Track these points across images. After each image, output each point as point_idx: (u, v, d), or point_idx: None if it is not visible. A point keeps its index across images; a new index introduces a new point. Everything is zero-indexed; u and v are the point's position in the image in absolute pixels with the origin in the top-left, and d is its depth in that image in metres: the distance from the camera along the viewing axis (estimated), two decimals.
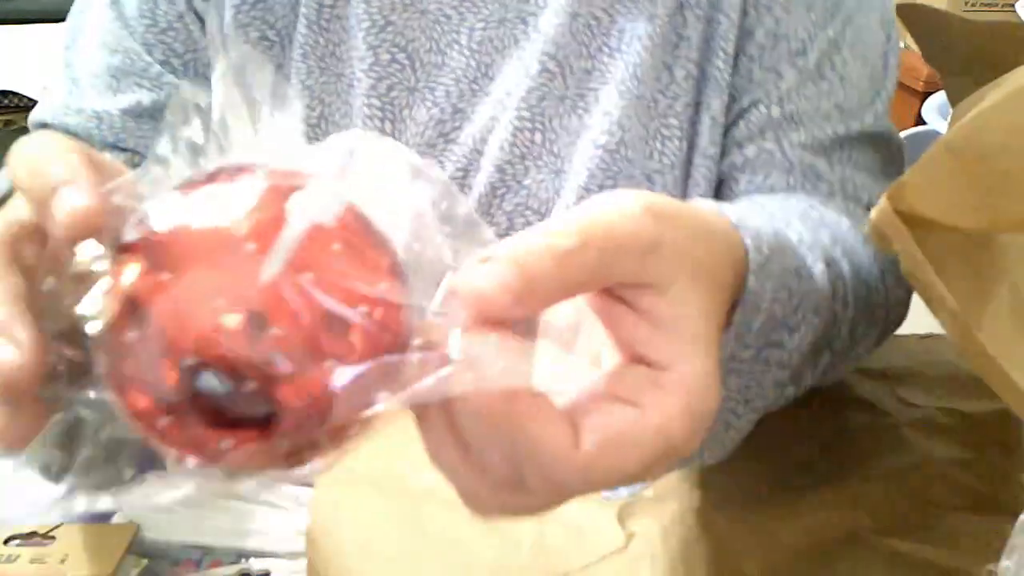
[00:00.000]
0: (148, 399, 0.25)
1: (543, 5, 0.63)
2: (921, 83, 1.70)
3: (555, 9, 0.62)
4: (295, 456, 0.26)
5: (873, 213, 0.38)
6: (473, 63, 0.63)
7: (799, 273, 0.43)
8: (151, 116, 0.65)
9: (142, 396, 0.25)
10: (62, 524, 0.59)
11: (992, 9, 1.72)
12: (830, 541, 0.50)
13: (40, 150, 0.30)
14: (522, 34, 0.63)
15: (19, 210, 0.30)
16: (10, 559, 0.57)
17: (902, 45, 1.86)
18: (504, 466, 0.29)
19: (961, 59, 0.51)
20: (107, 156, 0.31)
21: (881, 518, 0.52)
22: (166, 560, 0.60)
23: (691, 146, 0.63)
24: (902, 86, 1.76)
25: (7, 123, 1.81)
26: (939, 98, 1.46)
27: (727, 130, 0.63)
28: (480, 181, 0.64)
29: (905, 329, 0.59)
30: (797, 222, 0.52)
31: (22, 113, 1.80)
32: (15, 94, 1.76)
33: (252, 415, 0.25)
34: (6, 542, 0.59)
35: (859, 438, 0.58)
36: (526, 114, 0.63)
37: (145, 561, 0.60)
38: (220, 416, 0.25)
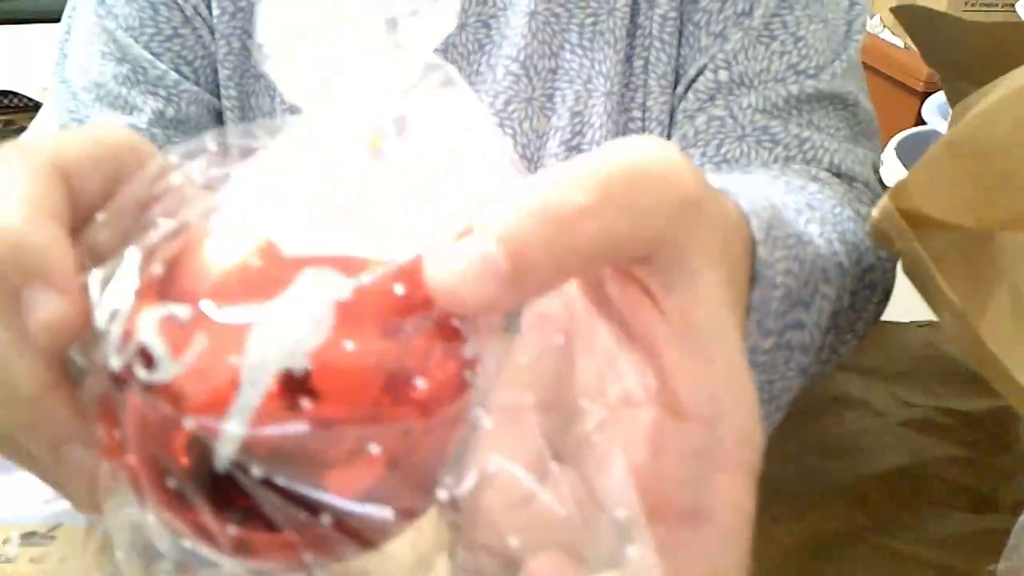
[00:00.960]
0: (153, 476, 0.21)
1: (502, 6, 0.62)
2: (921, 83, 1.70)
3: (514, 11, 0.62)
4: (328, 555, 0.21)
5: (875, 212, 0.38)
6: None
7: (800, 238, 0.38)
8: (176, 127, 0.63)
9: (145, 471, 0.21)
10: (62, 524, 0.59)
11: (992, 9, 1.72)
12: (829, 540, 0.50)
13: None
14: (486, 39, 0.62)
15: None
16: (10, 559, 0.57)
17: (902, 45, 1.86)
18: None
19: (960, 60, 0.51)
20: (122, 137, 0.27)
21: (879, 517, 0.52)
22: None
23: (661, 136, 0.62)
24: (902, 86, 1.75)
25: (7, 123, 1.81)
26: (939, 98, 1.46)
27: (678, 106, 0.61)
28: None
29: (904, 317, 0.59)
30: (774, 191, 0.49)
31: (22, 113, 1.80)
32: (15, 94, 1.76)
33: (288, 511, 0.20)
34: (6, 542, 0.59)
35: (857, 438, 0.58)
36: (494, 119, 0.62)
37: None
38: (235, 503, 0.20)
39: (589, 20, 0.61)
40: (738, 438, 0.23)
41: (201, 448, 0.20)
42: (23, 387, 0.23)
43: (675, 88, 0.62)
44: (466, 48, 0.62)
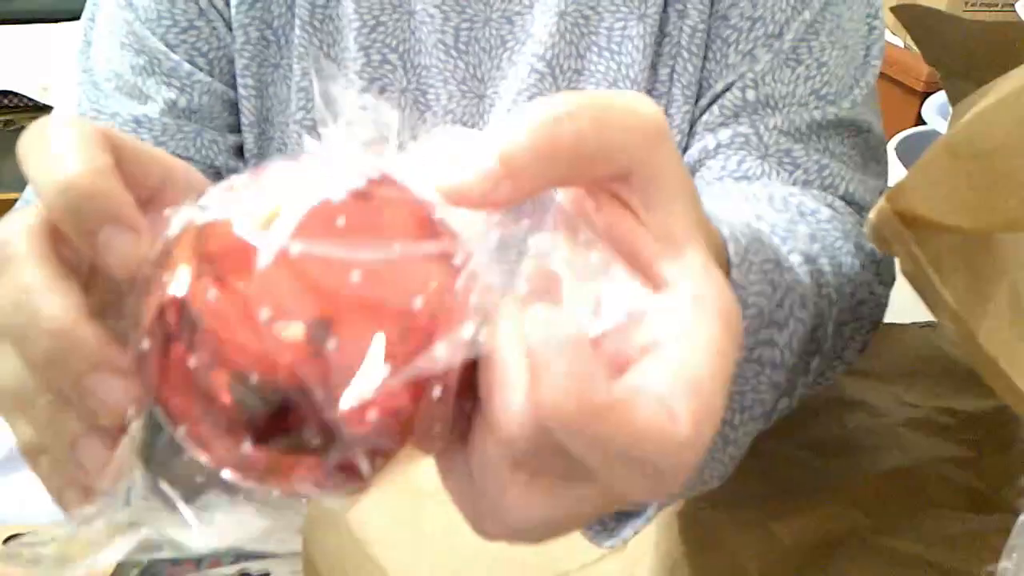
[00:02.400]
0: (196, 414, 0.24)
1: (528, 4, 0.62)
2: (921, 83, 1.70)
3: (542, 8, 0.62)
4: (350, 481, 0.25)
5: (872, 214, 0.38)
6: (462, 65, 0.63)
7: (779, 265, 0.40)
8: (188, 117, 0.64)
9: (190, 411, 0.24)
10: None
11: (992, 9, 1.72)
12: (829, 540, 0.50)
13: (64, 157, 0.26)
14: (509, 35, 0.63)
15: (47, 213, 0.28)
16: (10, 559, 0.57)
17: (902, 45, 1.86)
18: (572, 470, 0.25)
19: (961, 59, 0.51)
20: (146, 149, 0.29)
21: (879, 518, 0.51)
22: (166, 560, 0.60)
23: (680, 143, 0.63)
24: (902, 86, 1.75)
25: (7, 123, 1.81)
26: (939, 98, 1.46)
27: (700, 117, 0.62)
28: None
29: (905, 318, 0.59)
30: (769, 211, 0.51)
31: (22, 113, 1.80)
32: (15, 94, 1.76)
33: (303, 441, 0.23)
34: (5, 542, 0.58)
35: (857, 438, 0.58)
36: None
37: (145, 561, 0.60)
38: (273, 434, 0.23)
39: (618, 24, 0.62)
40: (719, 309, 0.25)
41: (240, 385, 0.23)
42: (58, 317, 0.25)
43: (697, 99, 0.62)
44: (488, 43, 0.63)
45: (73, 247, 0.27)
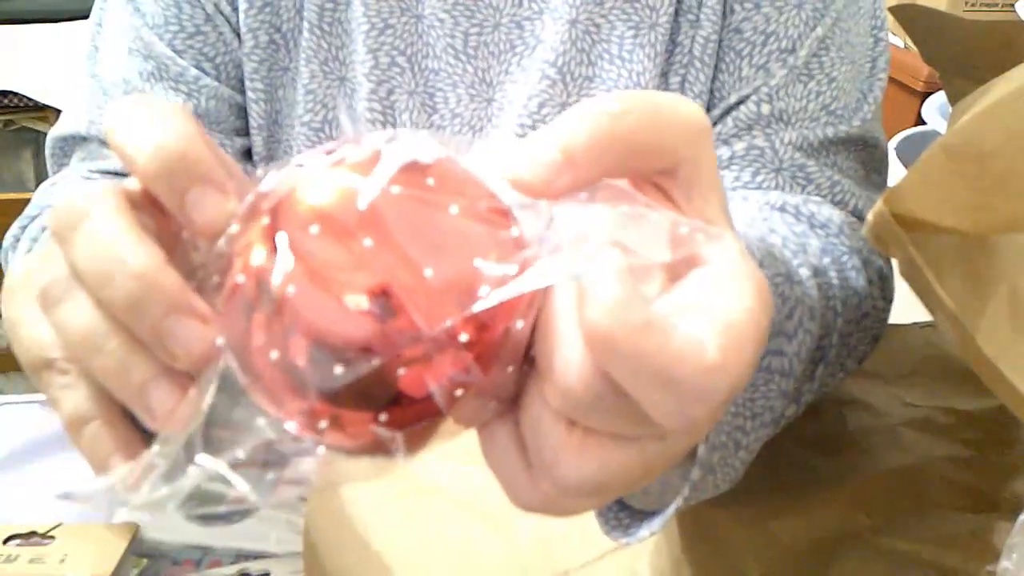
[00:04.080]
0: (270, 375, 0.25)
1: (538, 10, 0.63)
2: (921, 83, 1.70)
3: (552, 16, 0.62)
4: (404, 441, 0.26)
5: (870, 216, 0.38)
6: (471, 68, 0.63)
7: (790, 278, 0.42)
8: None
9: (263, 368, 0.26)
10: (61, 524, 0.59)
11: (992, 9, 1.72)
12: (829, 540, 0.50)
13: (161, 125, 0.28)
14: (519, 40, 0.63)
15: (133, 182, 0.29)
16: (9, 559, 0.57)
17: (902, 45, 1.87)
18: (619, 420, 0.26)
19: (960, 59, 0.51)
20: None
21: (880, 517, 0.51)
22: (166, 560, 0.61)
23: None
24: (902, 86, 1.76)
25: (7, 123, 1.81)
26: (939, 98, 1.46)
27: (713, 126, 0.63)
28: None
29: (906, 318, 0.60)
30: (781, 224, 0.52)
31: (22, 113, 1.80)
32: (15, 94, 1.76)
33: (374, 397, 0.25)
34: (6, 542, 0.59)
35: (858, 438, 0.58)
36: (527, 121, 0.63)
37: (145, 561, 0.60)
38: (341, 395, 0.25)
39: (629, 32, 0.62)
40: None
41: (315, 349, 0.25)
42: (143, 261, 0.27)
43: (708, 108, 0.63)
44: (498, 48, 0.63)
45: (148, 220, 0.28)
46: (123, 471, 0.28)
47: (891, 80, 1.87)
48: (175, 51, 0.63)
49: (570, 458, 0.26)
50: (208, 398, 0.27)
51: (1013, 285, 0.39)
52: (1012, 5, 1.42)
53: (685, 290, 0.27)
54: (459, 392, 0.26)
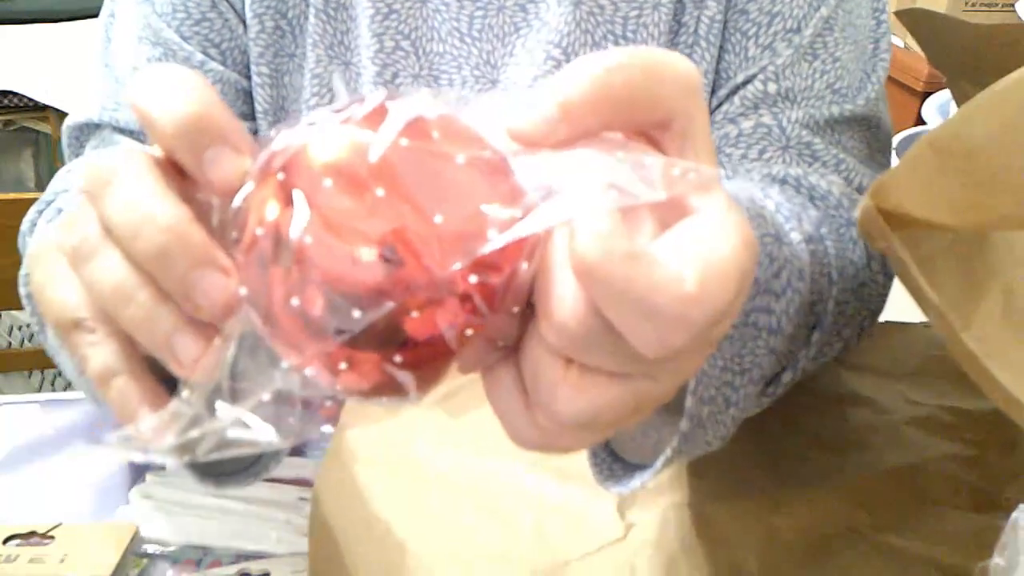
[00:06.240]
0: (289, 322, 0.27)
1: None
2: (921, 83, 1.70)
3: None
4: (414, 381, 0.28)
5: (857, 211, 0.38)
6: (475, 51, 0.64)
7: (779, 239, 0.43)
8: None
9: (282, 318, 0.27)
10: (61, 524, 0.59)
11: (992, 9, 1.72)
12: (828, 536, 0.50)
13: (181, 90, 0.29)
14: (523, 22, 0.64)
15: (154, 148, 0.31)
16: (9, 559, 0.57)
17: (902, 45, 1.87)
18: (609, 356, 0.28)
19: (966, 63, 0.52)
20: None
21: (880, 514, 0.52)
22: (166, 560, 0.61)
23: None
24: (902, 86, 1.76)
25: (7, 123, 1.81)
26: (939, 98, 1.46)
27: (719, 107, 0.64)
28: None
29: (912, 317, 0.60)
30: (776, 192, 0.53)
31: (22, 113, 1.80)
32: (15, 94, 1.76)
33: (388, 339, 0.27)
34: (5, 542, 0.59)
35: (860, 435, 0.58)
36: None
37: (145, 561, 0.60)
38: (357, 339, 0.27)
39: (633, 13, 0.63)
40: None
41: (330, 297, 0.26)
42: (167, 212, 0.28)
43: (714, 88, 0.64)
44: (502, 30, 0.64)
45: (172, 184, 0.30)
46: (151, 420, 0.30)
47: (891, 80, 1.87)
48: (182, 37, 0.65)
49: (565, 393, 0.28)
50: (232, 347, 0.29)
51: (1006, 283, 0.39)
52: (1012, 5, 1.42)
53: (672, 235, 0.28)
54: (469, 332, 0.27)
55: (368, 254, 0.26)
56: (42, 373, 1.62)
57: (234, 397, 0.29)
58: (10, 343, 1.70)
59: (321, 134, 0.28)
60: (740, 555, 0.49)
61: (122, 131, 0.66)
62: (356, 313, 0.26)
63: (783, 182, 0.58)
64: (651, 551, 0.49)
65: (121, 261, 0.29)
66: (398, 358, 0.27)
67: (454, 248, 0.26)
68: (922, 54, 1.75)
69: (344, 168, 0.27)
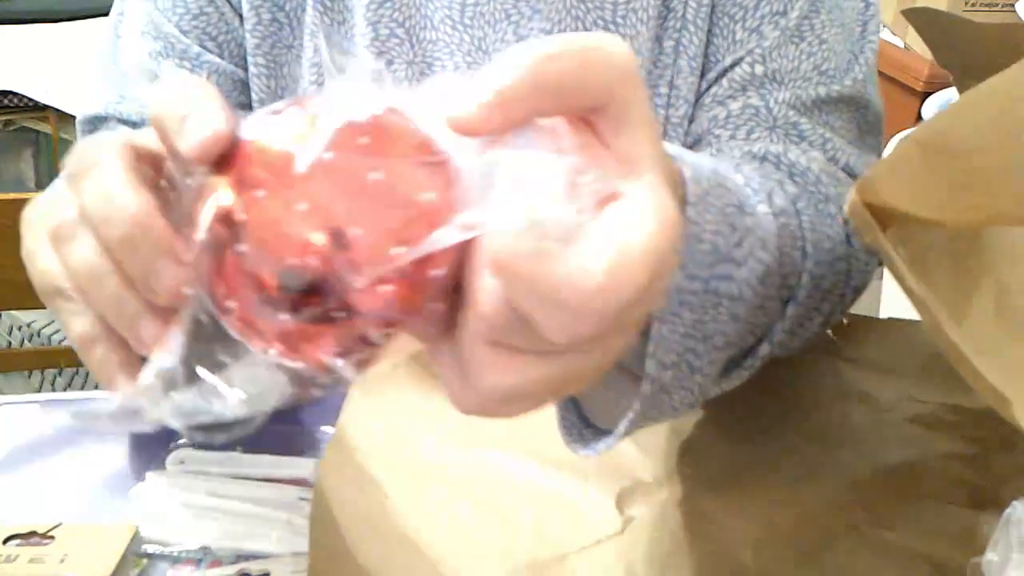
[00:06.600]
0: (243, 301, 0.30)
1: None
2: (921, 83, 1.70)
3: None
4: (363, 350, 0.30)
5: (845, 205, 0.38)
6: (467, 38, 0.66)
7: (742, 209, 0.44)
8: None
9: (238, 298, 0.30)
10: (61, 524, 0.59)
11: (992, 9, 1.72)
12: (826, 531, 0.50)
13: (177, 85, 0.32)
14: (514, 9, 0.66)
15: (142, 136, 0.34)
16: (9, 559, 0.57)
17: (902, 45, 1.86)
18: (525, 336, 0.30)
19: (970, 60, 0.52)
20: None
21: (879, 511, 0.52)
22: (166, 560, 0.60)
23: (666, 118, 0.67)
24: (902, 86, 1.76)
25: (7, 123, 1.81)
26: (939, 98, 1.47)
27: (708, 89, 0.66)
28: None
29: (915, 314, 0.60)
30: (750, 168, 0.54)
31: (22, 113, 1.80)
32: (15, 94, 1.76)
33: (331, 315, 0.29)
34: (5, 542, 0.58)
35: (862, 431, 0.58)
36: None
37: (145, 561, 0.60)
38: (303, 315, 0.30)
39: None
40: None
41: (279, 274, 0.29)
42: (133, 204, 0.31)
43: (703, 71, 0.66)
44: (493, 17, 0.66)
45: (148, 169, 0.33)
46: (128, 389, 0.33)
47: (891, 80, 1.88)
48: (181, 31, 0.68)
49: (489, 373, 0.30)
50: (187, 327, 0.31)
51: (999, 280, 0.39)
52: (1012, 5, 1.42)
53: (595, 223, 0.29)
54: (399, 317, 0.30)
55: (315, 237, 0.29)
56: (42, 373, 1.62)
57: (209, 365, 0.31)
58: (10, 343, 1.70)
59: (266, 129, 0.30)
60: (737, 550, 0.49)
61: (125, 122, 0.69)
62: (301, 290, 0.29)
63: (763, 159, 0.60)
64: (649, 545, 0.49)
65: (94, 246, 0.32)
66: (336, 338, 0.30)
67: (386, 242, 0.29)
68: (922, 54, 1.76)
69: (285, 163, 0.29)
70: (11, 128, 1.82)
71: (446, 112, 0.30)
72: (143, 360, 0.33)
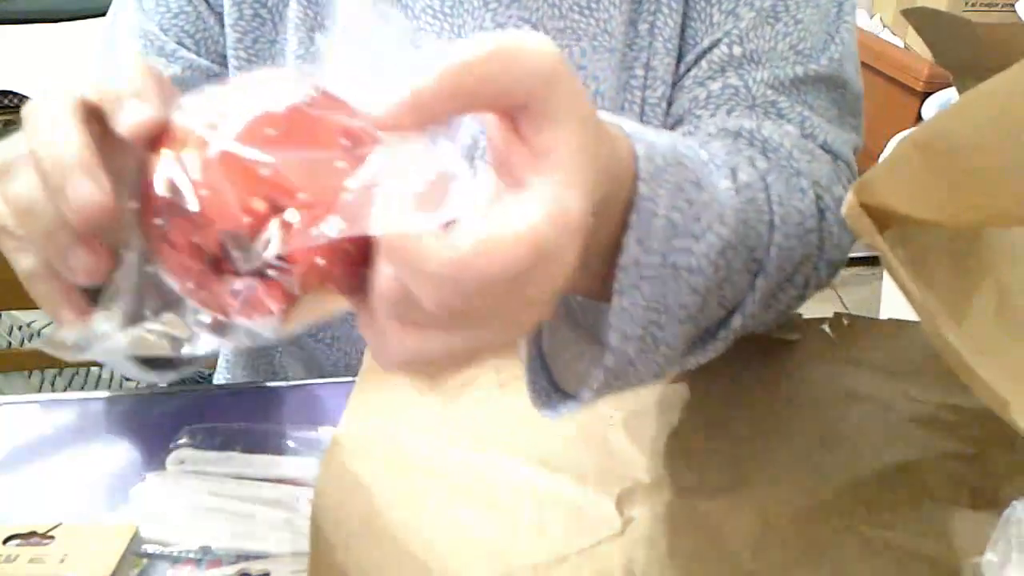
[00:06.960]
0: (184, 260, 0.33)
1: None
2: (921, 83, 1.70)
3: None
4: (277, 305, 0.33)
5: (843, 208, 0.38)
6: (447, 26, 0.67)
7: (699, 185, 0.45)
8: (179, 87, 0.71)
9: (179, 257, 0.33)
10: (61, 524, 0.59)
11: (992, 9, 1.72)
12: (825, 531, 0.50)
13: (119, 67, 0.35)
14: None
15: (85, 90, 0.37)
16: (9, 559, 0.57)
17: (902, 45, 1.86)
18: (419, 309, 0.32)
19: (970, 60, 0.52)
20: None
21: (878, 510, 0.52)
22: (166, 560, 0.60)
23: (643, 99, 0.68)
24: (902, 86, 1.76)
25: (7, 123, 1.81)
26: (939, 98, 1.47)
27: (687, 71, 0.67)
28: (462, 140, 0.67)
29: (914, 315, 0.60)
30: (719, 146, 0.56)
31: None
32: (15, 94, 1.76)
33: (261, 272, 0.33)
34: (5, 542, 0.58)
35: (862, 431, 0.58)
36: None
37: (145, 561, 0.60)
38: (236, 273, 0.33)
39: None
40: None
41: (202, 237, 0.32)
42: (72, 137, 0.34)
43: (680, 52, 0.67)
44: (471, 5, 0.67)
45: (94, 126, 0.36)
46: (74, 321, 0.36)
47: (891, 80, 1.88)
48: (161, 29, 0.71)
49: (393, 343, 0.34)
50: (130, 276, 0.35)
51: (999, 280, 0.39)
52: (1012, 5, 1.42)
53: (497, 207, 0.32)
54: (317, 281, 0.33)
55: (255, 203, 0.32)
56: (42, 373, 1.61)
57: (156, 306, 0.35)
58: (10, 343, 1.70)
59: (197, 115, 0.34)
60: (736, 550, 0.49)
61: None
62: (246, 246, 0.32)
63: (737, 135, 0.61)
64: (649, 546, 0.49)
65: (35, 182, 0.35)
66: (266, 290, 0.33)
67: (315, 215, 0.32)
68: (922, 54, 1.76)
69: (201, 149, 0.32)
70: (11, 128, 1.81)
71: (365, 106, 0.33)
72: (86, 293, 0.37)
